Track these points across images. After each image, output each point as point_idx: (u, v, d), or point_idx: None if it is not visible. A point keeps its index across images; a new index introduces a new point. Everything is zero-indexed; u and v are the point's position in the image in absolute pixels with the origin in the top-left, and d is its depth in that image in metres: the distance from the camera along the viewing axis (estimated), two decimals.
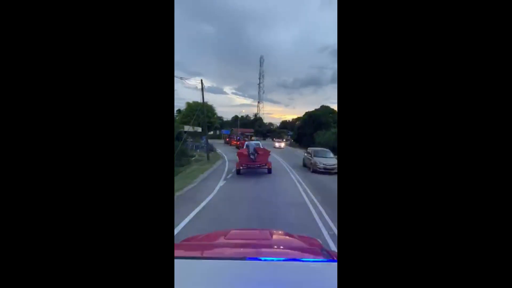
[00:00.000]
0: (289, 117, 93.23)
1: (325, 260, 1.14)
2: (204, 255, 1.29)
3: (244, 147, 13.19)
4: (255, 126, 69.96)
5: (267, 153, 11.53)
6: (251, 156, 10.92)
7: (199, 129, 38.70)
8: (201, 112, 42.13)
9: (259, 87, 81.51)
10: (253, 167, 11.21)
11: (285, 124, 77.59)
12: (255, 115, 78.52)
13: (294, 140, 43.29)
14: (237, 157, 11.47)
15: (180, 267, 0.68)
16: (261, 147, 13.37)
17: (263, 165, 11.17)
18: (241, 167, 11.06)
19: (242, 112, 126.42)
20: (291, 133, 60.53)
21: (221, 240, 1.69)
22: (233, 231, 1.87)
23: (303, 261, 1.03)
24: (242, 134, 61.08)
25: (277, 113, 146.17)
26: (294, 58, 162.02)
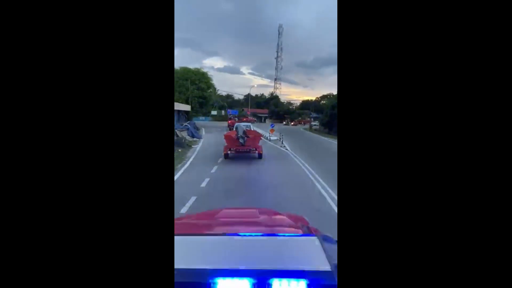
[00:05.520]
0: (308, 98, 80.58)
1: (303, 234, 1.16)
2: (186, 232, 1.30)
3: (234, 129, 11.74)
4: (270, 106, 58.34)
5: (258, 136, 11.05)
6: (240, 140, 10.14)
7: (187, 108, 27.62)
8: (191, 83, 30.81)
9: (277, 61, 70.34)
10: (241, 151, 10.52)
11: (306, 105, 65.29)
12: (271, 94, 66.90)
13: (322, 125, 31.29)
14: (224, 140, 10.62)
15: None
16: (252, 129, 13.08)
17: (253, 150, 10.58)
18: (228, 151, 10.44)
19: (254, 86, 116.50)
20: (314, 115, 48.74)
21: (211, 218, 1.76)
22: (224, 210, 2.01)
23: (280, 235, 1.07)
24: (254, 115, 50.67)
25: (294, 94, 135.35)
26: (315, 36, 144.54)
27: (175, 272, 0.64)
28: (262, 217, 1.72)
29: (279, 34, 69.84)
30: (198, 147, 14.10)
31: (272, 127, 18.12)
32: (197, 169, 8.53)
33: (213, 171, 8.28)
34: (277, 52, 69.96)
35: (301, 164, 9.83)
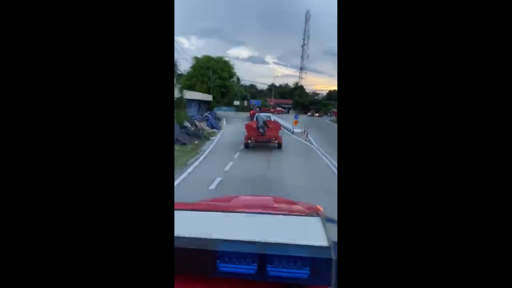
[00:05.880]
0: (335, 88, 77.04)
1: (308, 215, 1.15)
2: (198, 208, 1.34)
3: (254, 119, 12.02)
4: (294, 96, 56.43)
5: (277, 127, 11.24)
6: (260, 130, 10.43)
7: (209, 97, 26.84)
8: (213, 71, 29.85)
9: (303, 49, 67.55)
10: (261, 141, 10.77)
11: (333, 95, 62.49)
12: (296, 83, 64.75)
13: None
14: (245, 130, 10.91)
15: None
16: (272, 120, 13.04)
17: (272, 140, 10.78)
18: (249, 141, 10.70)
19: (278, 76, 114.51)
20: None
21: (225, 203, 1.80)
22: (241, 197, 2.08)
23: (285, 215, 1.11)
24: (278, 105, 49.23)
25: (321, 84, 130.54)
26: None
27: (184, 240, 0.73)
28: (275, 204, 1.76)
29: (306, 21, 67.11)
30: (216, 139, 13.26)
31: (296, 118, 16.84)
32: (209, 166, 7.62)
33: (227, 168, 7.34)
34: (304, 39, 67.26)
35: (329, 163, 8.61)
